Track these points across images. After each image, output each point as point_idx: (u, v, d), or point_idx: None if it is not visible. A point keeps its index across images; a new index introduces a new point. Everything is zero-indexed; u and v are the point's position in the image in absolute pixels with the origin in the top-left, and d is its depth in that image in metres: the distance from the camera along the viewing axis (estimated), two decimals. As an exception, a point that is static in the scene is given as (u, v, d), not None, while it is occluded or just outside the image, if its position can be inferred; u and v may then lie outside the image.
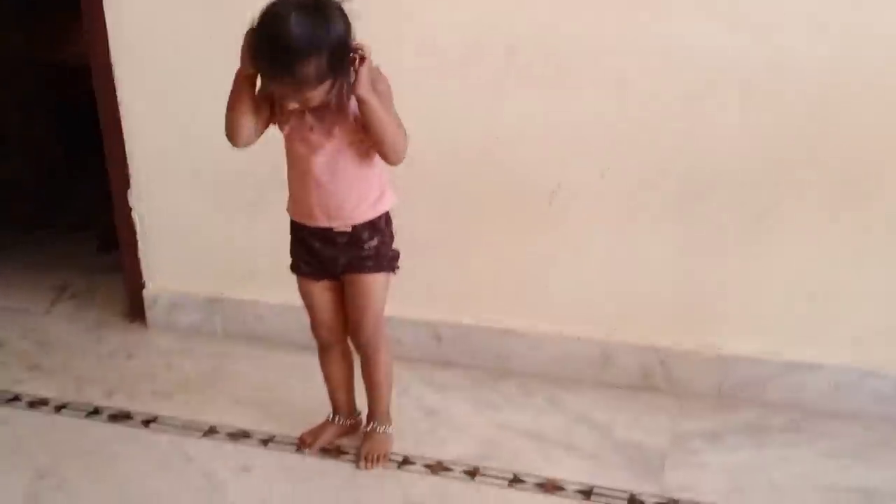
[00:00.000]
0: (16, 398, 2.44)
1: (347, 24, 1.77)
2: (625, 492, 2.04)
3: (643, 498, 2.02)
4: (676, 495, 2.02)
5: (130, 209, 2.69)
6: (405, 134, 1.89)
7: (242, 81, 1.83)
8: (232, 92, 1.85)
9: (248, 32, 1.77)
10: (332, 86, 1.80)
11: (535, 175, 2.33)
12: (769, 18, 2.07)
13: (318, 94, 1.78)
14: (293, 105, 1.81)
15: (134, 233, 2.71)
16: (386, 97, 1.88)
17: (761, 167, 2.18)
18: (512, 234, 2.40)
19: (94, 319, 2.83)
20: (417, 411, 2.34)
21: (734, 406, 2.31)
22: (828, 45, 2.05)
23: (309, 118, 1.87)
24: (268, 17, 1.73)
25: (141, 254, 2.73)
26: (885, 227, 2.15)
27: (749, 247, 2.24)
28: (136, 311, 2.80)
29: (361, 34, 1.80)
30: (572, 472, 2.10)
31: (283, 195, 2.00)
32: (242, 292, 2.67)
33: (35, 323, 2.82)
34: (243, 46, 1.79)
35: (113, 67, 2.55)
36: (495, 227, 2.40)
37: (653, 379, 2.39)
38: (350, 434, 2.23)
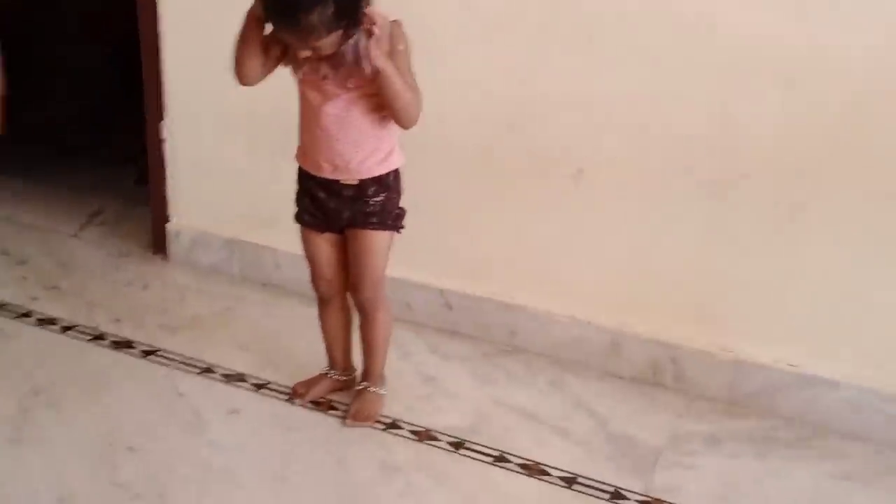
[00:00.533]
0: (27, 314, 2.48)
1: None
2: (610, 486, 1.97)
3: (626, 494, 1.95)
4: (661, 496, 1.94)
5: (163, 141, 2.69)
6: (420, 99, 1.85)
7: (252, 21, 1.80)
8: (241, 31, 1.82)
9: None
10: (345, 36, 1.75)
11: (563, 150, 2.25)
12: (815, 4, 1.95)
13: (327, 43, 1.74)
14: (305, 53, 1.77)
15: (163, 165, 2.71)
16: (404, 57, 1.83)
17: (798, 159, 2.06)
18: (533, 209, 2.33)
19: (118, 247, 2.85)
20: (416, 377, 2.30)
21: (742, 413, 2.21)
22: (874, 34, 1.93)
23: (324, 67, 1.83)
24: None
25: (168, 187, 2.73)
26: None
27: (777, 245, 2.14)
28: (159, 244, 2.80)
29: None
30: (560, 458, 2.04)
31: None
32: (263, 238, 2.65)
33: (61, 244, 2.85)
34: None
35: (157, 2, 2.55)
36: (518, 200, 2.33)
37: (661, 375, 2.30)
38: (344, 390, 2.21)
